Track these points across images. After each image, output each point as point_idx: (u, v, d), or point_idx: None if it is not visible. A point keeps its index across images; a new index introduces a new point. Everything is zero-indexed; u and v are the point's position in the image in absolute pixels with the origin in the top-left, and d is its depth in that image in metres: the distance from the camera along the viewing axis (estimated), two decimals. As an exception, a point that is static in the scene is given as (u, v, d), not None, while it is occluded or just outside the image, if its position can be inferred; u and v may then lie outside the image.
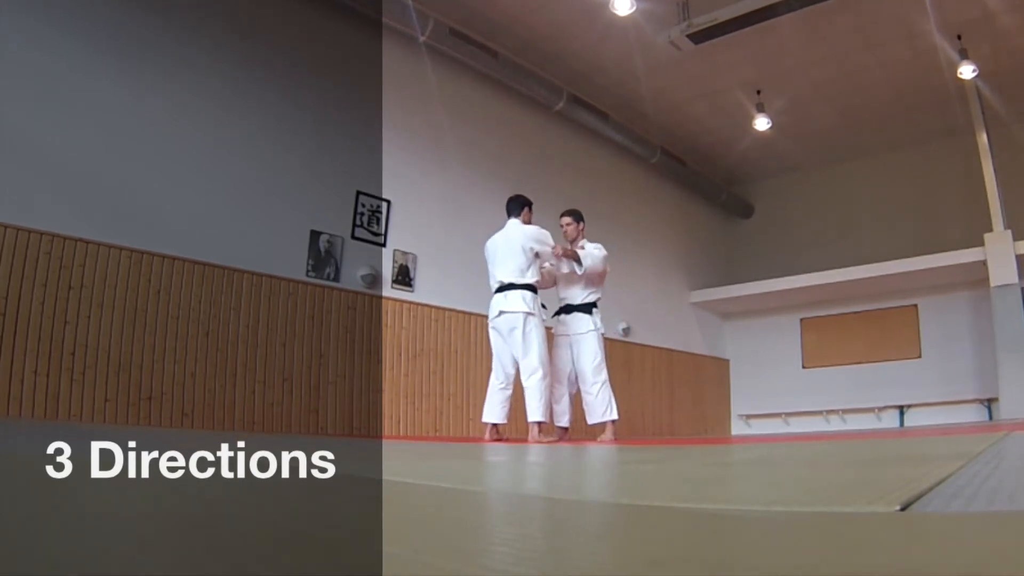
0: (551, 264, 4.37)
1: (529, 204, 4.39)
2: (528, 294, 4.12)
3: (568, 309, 4.49)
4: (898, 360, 8.29)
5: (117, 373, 3.91)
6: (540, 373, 4.06)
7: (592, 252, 4.37)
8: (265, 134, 4.92)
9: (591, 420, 4.34)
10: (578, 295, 4.47)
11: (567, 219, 4.58)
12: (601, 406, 4.28)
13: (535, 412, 4.03)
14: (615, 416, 4.30)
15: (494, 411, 4.21)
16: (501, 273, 4.21)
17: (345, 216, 5.29)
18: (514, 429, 5.96)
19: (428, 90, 6.03)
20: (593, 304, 4.48)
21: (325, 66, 5.36)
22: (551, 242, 4.29)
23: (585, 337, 4.37)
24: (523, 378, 4.12)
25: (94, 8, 4.13)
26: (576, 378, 4.45)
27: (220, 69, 4.73)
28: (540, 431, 4.06)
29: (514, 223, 4.31)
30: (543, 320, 4.24)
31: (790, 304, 9.03)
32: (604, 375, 4.33)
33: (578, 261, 4.31)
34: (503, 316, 4.15)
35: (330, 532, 0.45)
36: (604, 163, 7.93)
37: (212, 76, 4.69)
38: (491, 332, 4.27)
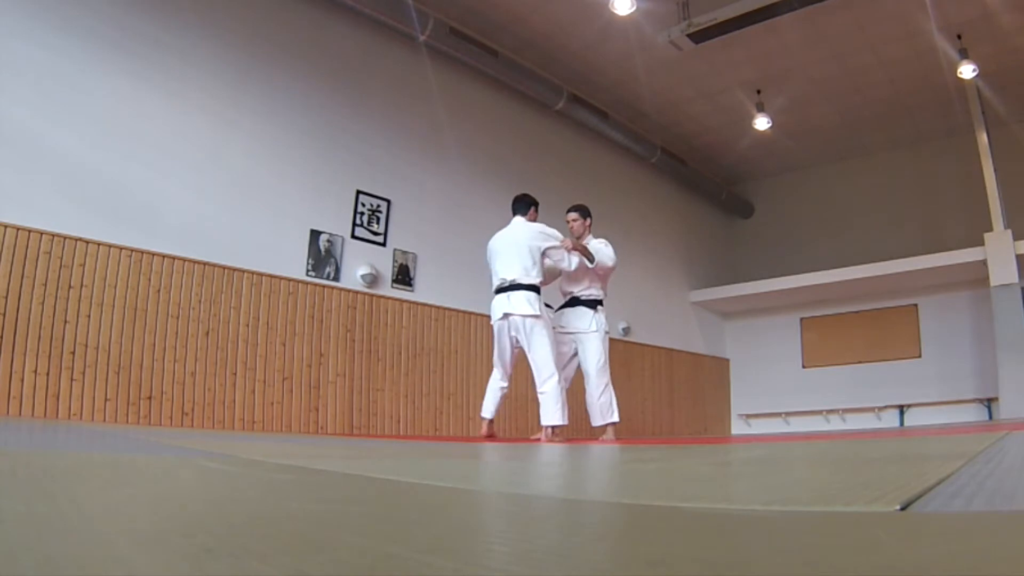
0: (557, 259, 4.26)
1: (535, 204, 4.39)
2: (532, 295, 4.07)
3: (573, 302, 4.43)
4: (898, 360, 8.30)
5: (117, 373, 3.91)
6: (556, 377, 4.03)
7: (601, 248, 4.33)
8: (265, 133, 4.92)
9: (594, 423, 4.32)
10: (584, 289, 4.42)
11: (573, 215, 4.55)
12: (603, 408, 4.25)
13: (553, 416, 3.98)
14: (616, 419, 4.29)
15: (490, 406, 4.24)
16: (505, 271, 4.15)
17: (345, 215, 5.29)
18: (513, 428, 5.96)
19: (428, 90, 6.03)
20: (598, 301, 4.43)
21: (325, 65, 5.36)
22: (560, 236, 4.26)
23: (589, 337, 4.32)
24: (538, 383, 4.09)
25: (96, 5, 4.13)
26: (573, 376, 4.46)
27: (221, 68, 4.73)
28: (554, 433, 4.04)
29: (520, 221, 4.29)
30: (550, 320, 4.23)
31: (790, 304, 9.03)
32: (607, 377, 4.30)
33: (589, 257, 4.28)
34: (509, 319, 4.10)
35: (330, 532, 0.45)
36: (604, 162, 7.93)
37: (213, 75, 4.69)
38: (495, 331, 4.24)
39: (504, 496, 0.81)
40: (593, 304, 4.40)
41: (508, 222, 4.42)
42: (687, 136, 8.58)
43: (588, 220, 4.56)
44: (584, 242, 4.46)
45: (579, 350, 4.38)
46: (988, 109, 7.18)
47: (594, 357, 4.29)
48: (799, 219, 9.60)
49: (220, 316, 4.43)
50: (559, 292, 4.61)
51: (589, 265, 4.28)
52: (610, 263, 4.33)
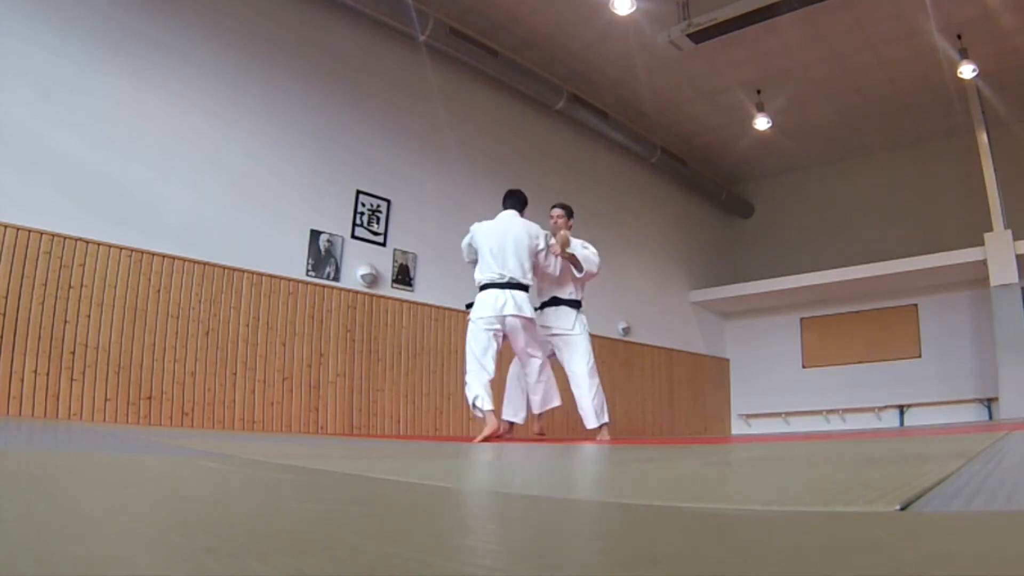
0: (544, 264, 4.23)
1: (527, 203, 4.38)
2: (527, 296, 4.05)
3: (555, 302, 4.35)
4: (898, 360, 8.30)
5: (117, 373, 3.91)
6: (547, 367, 4.17)
7: (588, 255, 4.30)
8: (265, 133, 4.92)
9: (589, 425, 4.22)
10: (567, 291, 4.37)
11: (559, 211, 4.44)
12: (598, 410, 4.19)
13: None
14: (607, 419, 4.25)
15: (487, 398, 3.83)
16: (505, 267, 3.97)
17: (345, 215, 5.29)
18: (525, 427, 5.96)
19: (428, 90, 6.03)
20: (579, 302, 4.39)
21: (325, 65, 5.36)
22: (549, 240, 4.26)
23: (576, 338, 4.25)
24: (531, 377, 4.11)
25: (96, 5, 4.14)
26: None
27: (221, 68, 4.74)
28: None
29: (514, 216, 4.15)
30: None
31: (790, 304, 9.04)
32: (597, 378, 4.25)
33: (578, 266, 4.27)
34: (505, 320, 3.94)
35: (330, 532, 0.45)
36: (604, 162, 7.93)
37: (213, 75, 4.69)
38: (484, 328, 3.92)
39: (504, 496, 0.81)
40: (575, 304, 4.35)
41: (502, 213, 4.23)
42: (687, 136, 8.58)
43: (571, 220, 4.51)
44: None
45: (562, 350, 4.30)
46: (988, 109, 7.18)
47: (583, 359, 4.21)
48: (799, 219, 9.60)
49: (220, 316, 4.43)
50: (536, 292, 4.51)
51: (578, 274, 4.28)
52: (595, 270, 4.32)
